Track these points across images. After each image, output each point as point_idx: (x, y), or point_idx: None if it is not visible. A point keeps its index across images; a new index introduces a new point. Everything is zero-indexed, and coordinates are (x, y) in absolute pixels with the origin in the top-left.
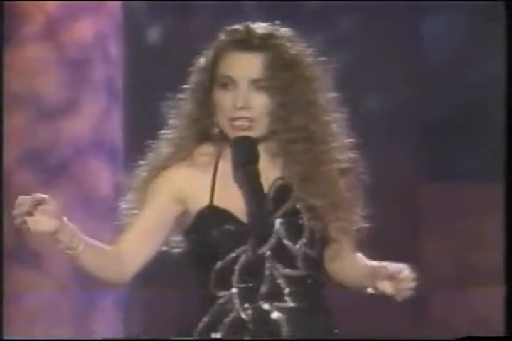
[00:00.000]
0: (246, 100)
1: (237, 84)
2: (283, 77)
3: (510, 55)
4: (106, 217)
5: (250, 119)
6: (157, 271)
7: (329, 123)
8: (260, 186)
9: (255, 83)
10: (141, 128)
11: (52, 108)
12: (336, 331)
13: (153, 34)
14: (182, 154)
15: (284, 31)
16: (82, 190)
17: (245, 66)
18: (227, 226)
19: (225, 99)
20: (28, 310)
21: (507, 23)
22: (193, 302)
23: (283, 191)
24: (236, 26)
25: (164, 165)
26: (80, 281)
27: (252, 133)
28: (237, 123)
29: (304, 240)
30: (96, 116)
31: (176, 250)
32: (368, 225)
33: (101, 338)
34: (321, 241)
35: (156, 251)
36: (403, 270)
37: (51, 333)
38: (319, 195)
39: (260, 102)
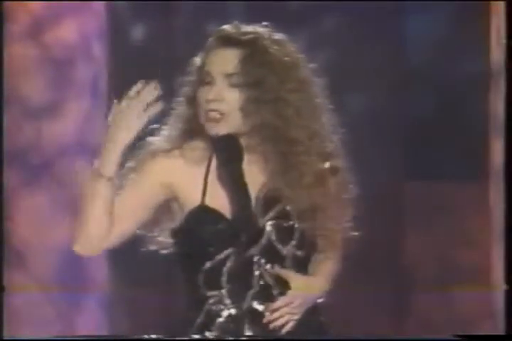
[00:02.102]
0: (218, 93)
1: (214, 79)
2: (256, 72)
3: (510, 54)
4: None
5: (221, 112)
6: (141, 271)
7: (307, 125)
8: (245, 186)
9: (229, 77)
10: None
11: (37, 108)
12: (329, 328)
13: (137, 34)
14: (173, 149)
15: (273, 33)
16: (65, 190)
17: (222, 61)
18: (217, 227)
19: (202, 94)
20: (10, 312)
21: (507, 22)
22: (179, 302)
23: (272, 194)
24: (225, 26)
25: (154, 154)
26: (63, 282)
27: (224, 127)
28: (209, 114)
29: (293, 242)
30: (80, 116)
31: (165, 251)
32: (355, 233)
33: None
34: (310, 244)
35: (132, 229)
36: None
37: (35, 334)
38: (303, 198)
39: (232, 96)
